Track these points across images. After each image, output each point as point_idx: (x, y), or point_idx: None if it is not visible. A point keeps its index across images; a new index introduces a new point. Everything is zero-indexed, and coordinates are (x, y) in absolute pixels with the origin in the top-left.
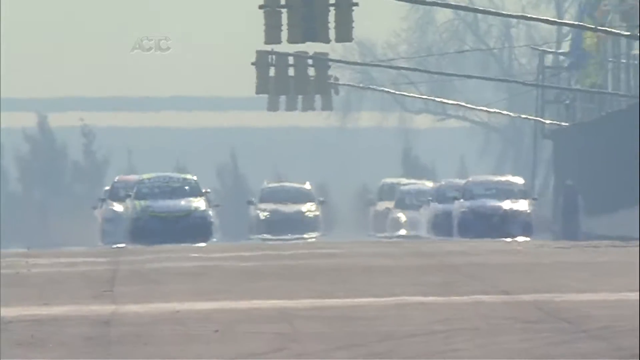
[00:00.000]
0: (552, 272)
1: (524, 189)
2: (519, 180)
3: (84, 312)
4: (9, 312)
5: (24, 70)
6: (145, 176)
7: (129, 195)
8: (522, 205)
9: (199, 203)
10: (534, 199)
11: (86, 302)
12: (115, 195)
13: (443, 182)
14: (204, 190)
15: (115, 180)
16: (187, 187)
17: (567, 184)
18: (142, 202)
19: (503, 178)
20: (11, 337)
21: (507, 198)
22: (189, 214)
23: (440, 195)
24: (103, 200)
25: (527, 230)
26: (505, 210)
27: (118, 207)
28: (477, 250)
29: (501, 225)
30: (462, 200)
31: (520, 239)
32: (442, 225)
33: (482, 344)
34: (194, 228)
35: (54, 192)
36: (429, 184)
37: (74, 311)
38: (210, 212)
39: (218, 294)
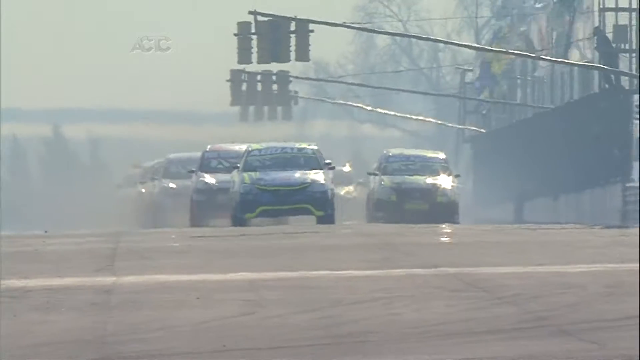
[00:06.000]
0: (472, 250)
1: (445, 165)
2: (440, 154)
3: (89, 282)
4: (28, 283)
5: (36, 82)
6: (254, 146)
7: (236, 167)
8: (446, 181)
9: (317, 176)
10: (457, 175)
11: (91, 275)
12: (206, 166)
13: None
14: (326, 162)
15: (207, 149)
16: (303, 158)
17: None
18: (252, 175)
19: (422, 152)
20: (30, 303)
21: (429, 173)
22: (305, 188)
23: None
24: (192, 171)
25: (451, 209)
26: (428, 185)
27: (210, 178)
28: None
29: (423, 202)
30: (379, 175)
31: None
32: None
33: (417, 308)
34: (310, 203)
35: (68, 188)
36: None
37: (82, 282)
38: (331, 186)
39: (199, 268)
